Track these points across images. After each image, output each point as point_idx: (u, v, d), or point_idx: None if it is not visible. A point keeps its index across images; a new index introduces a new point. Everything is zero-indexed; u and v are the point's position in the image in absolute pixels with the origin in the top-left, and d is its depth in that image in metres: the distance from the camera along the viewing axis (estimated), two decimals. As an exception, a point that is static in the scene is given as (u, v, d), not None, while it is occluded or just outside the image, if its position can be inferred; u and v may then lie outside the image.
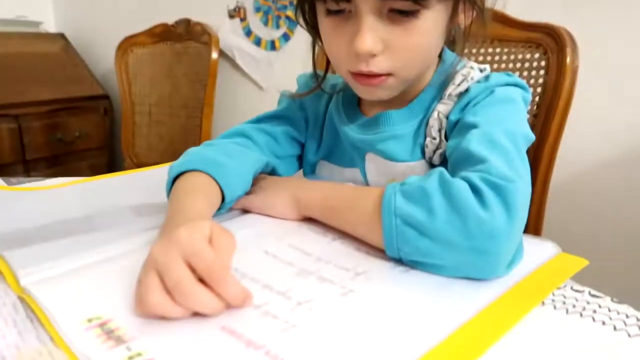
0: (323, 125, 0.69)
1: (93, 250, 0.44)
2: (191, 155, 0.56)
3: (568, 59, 0.85)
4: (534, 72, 0.90)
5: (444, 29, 0.53)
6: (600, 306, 0.38)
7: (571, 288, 0.41)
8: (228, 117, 1.91)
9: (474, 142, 0.47)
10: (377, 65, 0.51)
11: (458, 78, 0.57)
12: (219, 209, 0.53)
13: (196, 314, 0.35)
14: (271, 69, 1.77)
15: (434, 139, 0.57)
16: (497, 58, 0.94)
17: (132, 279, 0.38)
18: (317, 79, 0.66)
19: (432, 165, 0.58)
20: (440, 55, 0.61)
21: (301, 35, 1.66)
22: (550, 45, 0.87)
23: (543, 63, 0.89)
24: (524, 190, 0.42)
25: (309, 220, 0.54)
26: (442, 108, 0.57)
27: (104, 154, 2.17)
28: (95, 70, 2.19)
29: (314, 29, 0.59)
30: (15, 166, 1.84)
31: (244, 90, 1.87)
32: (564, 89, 0.85)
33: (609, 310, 0.38)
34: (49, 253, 0.44)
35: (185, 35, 1.87)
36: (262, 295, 0.38)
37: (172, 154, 1.97)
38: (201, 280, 0.35)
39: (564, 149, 0.88)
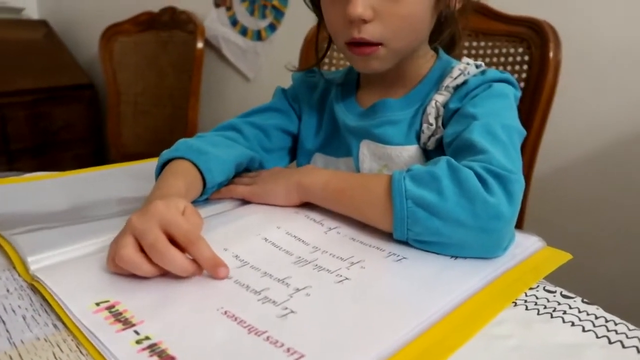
0: (322, 116, 0.71)
1: (97, 238, 0.46)
2: (179, 144, 0.59)
3: (551, 53, 0.86)
4: (517, 67, 0.90)
5: (431, 3, 0.57)
6: (570, 307, 0.40)
7: (544, 288, 0.42)
8: (214, 107, 1.90)
9: (475, 133, 0.50)
10: (368, 32, 0.55)
11: (455, 72, 0.60)
12: (203, 193, 0.57)
13: (198, 299, 0.38)
14: (257, 59, 1.76)
15: (431, 124, 0.59)
16: (481, 52, 0.95)
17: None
18: (317, 56, 0.72)
19: (425, 151, 0.61)
20: (437, 53, 0.66)
21: (287, 26, 1.66)
22: (533, 39, 0.88)
23: (526, 57, 0.89)
24: (521, 181, 0.46)
25: (306, 207, 0.56)
26: (439, 98, 0.60)
27: (90, 144, 2.15)
28: (78, 58, 2.16)
29: (318, 9, 0.64)
30: (-1, 156, 1.82)
31: (230, 81, 1.86)
32: (546, 83, 0.86)
33: (579, 311, 0.39)
34: (53, 239, 0.46)
35: (171, 23, 1.85)
36: (262, 282, 0.40)
37: (159, 145, 1.94)
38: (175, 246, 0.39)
39: (547, 142, 0.88)
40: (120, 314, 0.35)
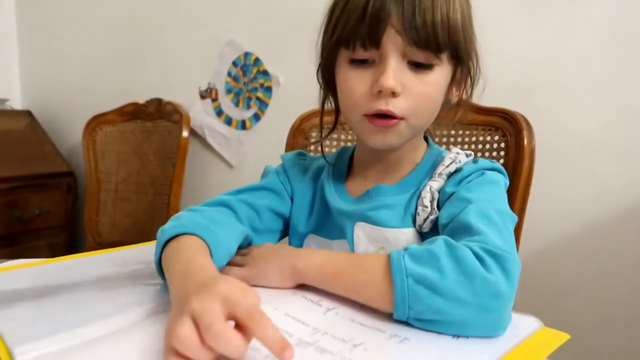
0: (313, 198, 0.72)
1: (88, 327, 0.44)
2: (183, 219, 0.57)
3: (525, 141, 0.91)
4: (494, 153, 0.95)
5: (445, 90, 0.62)
6: (578, 385, 0.38)
7: (549, 367, 0.41)
8: (196, 194, 1.90)
9: (471, 215, 0.52)
10: (395, 105, 0.58)
11: (447, 160, 0.64)
12: None
13: None
14: (241, 147, 1.81)
15: (426, 207, 0.61)
16: (459, 140, 1.00)
17: (135, 355, 0.39)
18: (321, 134, 0.76)
19: (420, 234, 0.62)
20: (427, 143, 0.69)
21: (271, 116, 1.73)
22: (508, 128, 0.94)
23: (502, 145, 0.94)
24: (517, 261, 0.47)
25: (302, 287, 0.55)
26: (433, 184, 0.62)
27: (64, 232, 2.09)
28: (60, 147, 2.18)
29: (327, 85, 0.67)
30: (-30, 245, 1.75)
31: (213, 168, 1.89)
32: (523, 169, 0.90)
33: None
34: (42, 329, 0.44)
35: (156, 114, 1.90)
36: None
37: (137, 233, 1.93)
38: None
39: (525, 227, 0.91)
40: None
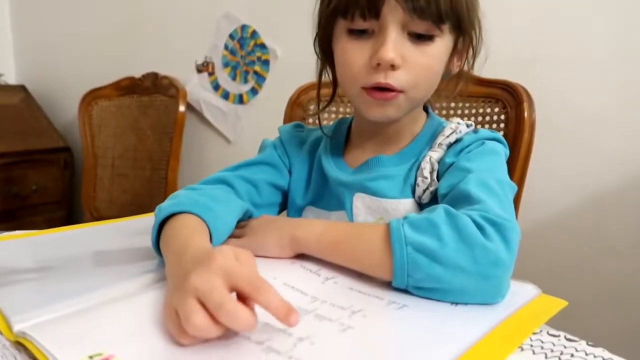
0: (311, 170, 0.71)
1: (85, 296, 0.44)
2: (181, 197, 0.56)
3: (526, 113, 0.90)
4: (495, 126, 0.94)
5: (445, 61, 0.60)
6: (577, 350, 0.39)
7: (547, 333, 0.42)
8: (194, 169, 1.90)
9: (471, 185, 0.52)
10: (394, 78, 0.56)
11: (447, 130, 0.63)
12: None
13: (200, 350, 0.36)
14: (239, 121, 1.79)
15: (426, 178, 0.60)
16: (459, 112, 0.99)
17: (131, 321, 0.39)
18: (318, 106, 0.76)
19: (419, 204, 0.61)
20: (427, 113, 0.68)
21: (269, 90, 1.71)
22: (508, 100, 0.93)
23: (503, 117, 0.94)
24: (517, 229, 0.46)
25: (301, 257, 0.55)
26: (433, 154, 0.62)
27: (62, 208, 2.09)
28: (56, 122, 2.16)
29: (325, 55, 0.65)
30: (-33, 220, 1.75)
31: (211, 143, 1.88)
32: (523, 141, 0.89)
33: (586, 354, 0.39)
34: (40, 299, 0.44)
35: (152, 88, 1.88)
36: (263, 332, 0.38)
37: (135, 208, 1.93)
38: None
39: (525, 199, 0.90)
40: (116, 367, 0.33)
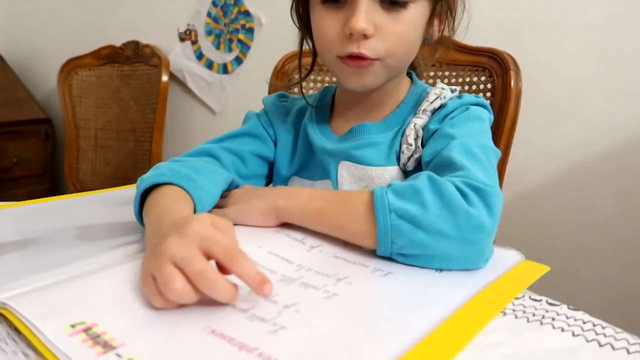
0: (296, 140, 0.71)
1: (67, 267, 0.44)
2: (163, 169, 0.55)
3: (512, 82, 0.89)
4: (481, 94, 0.94)
5: (423, 27, 0.60)
6: (557, 314, 0.40)
7: (529, 297, 0.43)
8: (179, 141, 1.87)
9: (454, 151, 0.52)
10: (367, 48, 0.56)
11: (431, 96, 0.62)
12: None
13: (183, 318, 0.35)
14: (224, 92, 1.76)
15: (410, 145, 0.60)
16: (445, 81, 0.98)
17: (114, 290, 0.39)
18: (300, 75, 0.75)
19: (404, 172, 0.62)
20: (411, 79, 0.68)
21: (254, 59, 1.68)
22: (495, 68, 0.92)
23: (489, 85, 0.93)
24: (500, 195, 0.47)
25: (285, 227, 0.55)
26: (417, 121, 0.61)
27: (45, 181, 2.06)
28: (35, 92, 2.10)
29: (304, 25, 0.65)
30: (-54, 194, 1.72)
31: (195, 114, 1.85)
32: (509, 110, 0.89)
33: (567, 317, 0.39)
34: (21, 270, 0.43)
35: (134, 57, 1.83)
36: (248, 300, 0.38)
37: (118, 180, 1.90)
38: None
39: (510, 167, 0.91)
40: (99, 336, 0.33)
